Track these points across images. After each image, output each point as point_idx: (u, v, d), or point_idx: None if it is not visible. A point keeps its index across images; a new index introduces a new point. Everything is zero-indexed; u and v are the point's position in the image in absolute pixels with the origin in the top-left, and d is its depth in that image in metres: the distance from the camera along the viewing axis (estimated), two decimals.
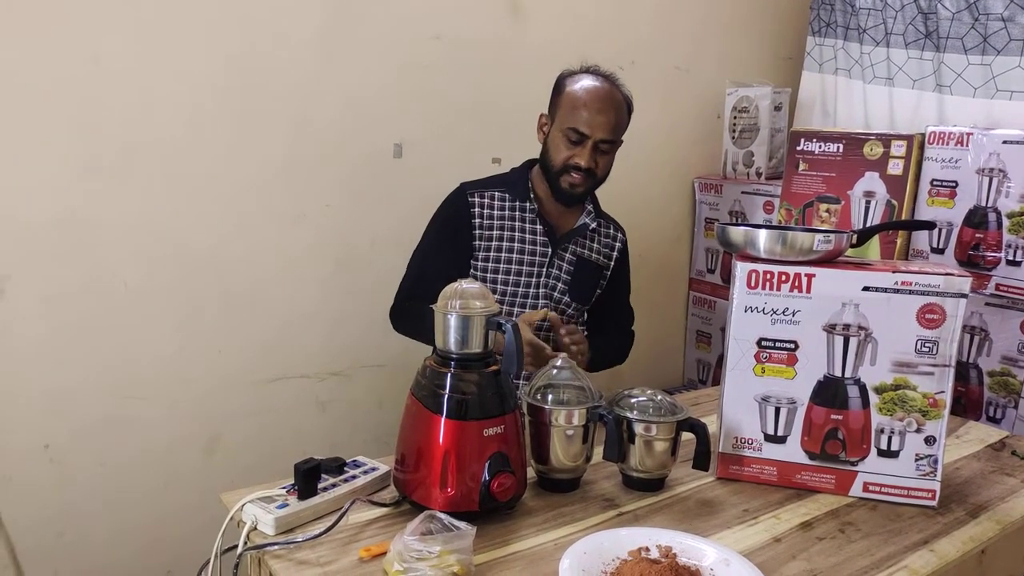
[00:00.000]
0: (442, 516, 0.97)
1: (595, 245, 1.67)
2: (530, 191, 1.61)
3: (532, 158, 1.66)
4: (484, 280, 1.58)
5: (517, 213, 1.59)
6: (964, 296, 1.10)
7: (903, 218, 1.90)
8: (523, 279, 1.58)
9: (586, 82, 1.54)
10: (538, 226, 1.59)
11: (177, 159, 1.61)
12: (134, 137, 1.56)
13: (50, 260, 1.52)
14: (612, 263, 1.70)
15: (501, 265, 1.58)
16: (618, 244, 1.72)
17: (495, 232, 1.57)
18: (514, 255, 1.58)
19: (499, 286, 1.58)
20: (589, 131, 1.51)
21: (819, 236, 1.15)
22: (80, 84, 1.49)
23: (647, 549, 0.97)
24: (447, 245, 1.59)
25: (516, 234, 1.58)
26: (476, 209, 1.58)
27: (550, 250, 1.59)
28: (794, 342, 1.16)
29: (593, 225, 1.65)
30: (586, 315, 1.72)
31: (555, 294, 1.61)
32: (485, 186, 1.62)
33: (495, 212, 1.58)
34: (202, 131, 1.63)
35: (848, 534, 1.07)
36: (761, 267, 1.16)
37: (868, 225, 1.94)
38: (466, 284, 1.08)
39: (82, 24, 1.47)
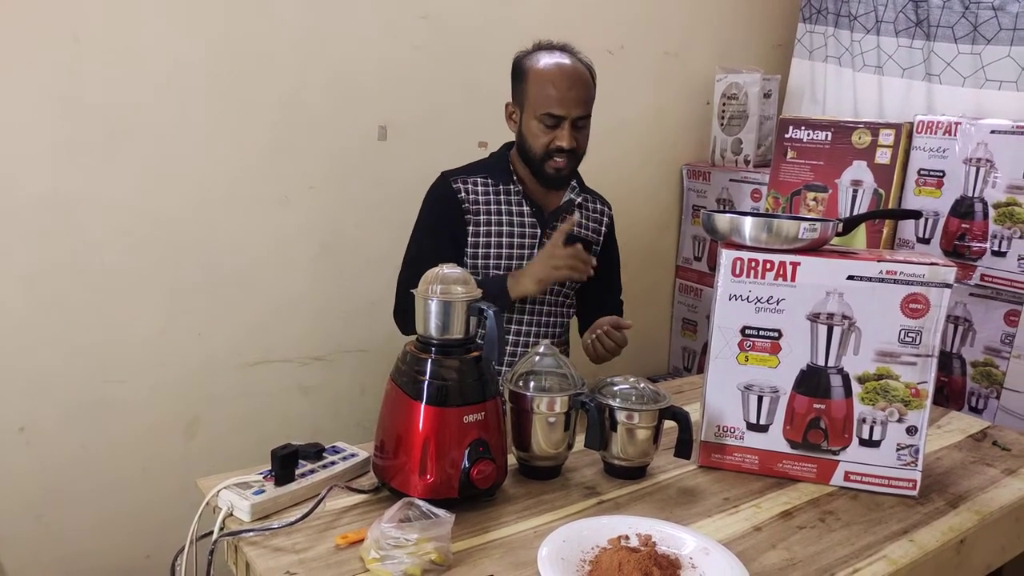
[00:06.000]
0: (421, 503, 0.96)
1: (583, 221, 1.65)
2: (512, 173, 1.59)
3: (510, 141, 1.64)
4: (475, 265, 1.56)
5: (502, 196, 1.57)
6: (948, 286, 1.09)
7: (890, 207, 1.90)
8: (514, 262, 1.56)
9: (547, 60, 1.51)
10: (524, 207, 1.58)
11: (160, 139, 1.58)
12: (116, 116, 1.53)
13: (29, 239, 1.49)
14: (601, 238, 1.69)
15: (492, 250, 1.56)
16: (605, 219, 1.71)
17: (482, 217, 1.56)
18: (504, 238, 1.56)
19: (491, 271, 1.56)
20: (565, 112, 1.48)
21: (804, 224, 1.14)
22: (61, 62, 1.46)
23: (627, 537, 0.97)
24: (442, 234, 1.56)
25: (504, 217, 1.57)
26: (463, 195, 1.56)
27: (539, 230, 1.58)
28: (778, 331, 1.16)
29: (579, 200, 1.64)
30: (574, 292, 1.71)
31: None
32: (467, 173, 1.60)
33: (480, 197, 1.56)
34: (185, 111, 1.60)
35: (828, 523, 1.07)
36: (746, 255, 1.16)
37: (855, 214, 1.94)
38: (447, 269, 1.07)
39: (60, 1, 1.44)
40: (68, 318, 1.55)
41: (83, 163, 1.52)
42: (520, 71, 1.55)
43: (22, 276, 1.49)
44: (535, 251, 1.58)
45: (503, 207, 1.57)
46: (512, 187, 1.58)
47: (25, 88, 1.44)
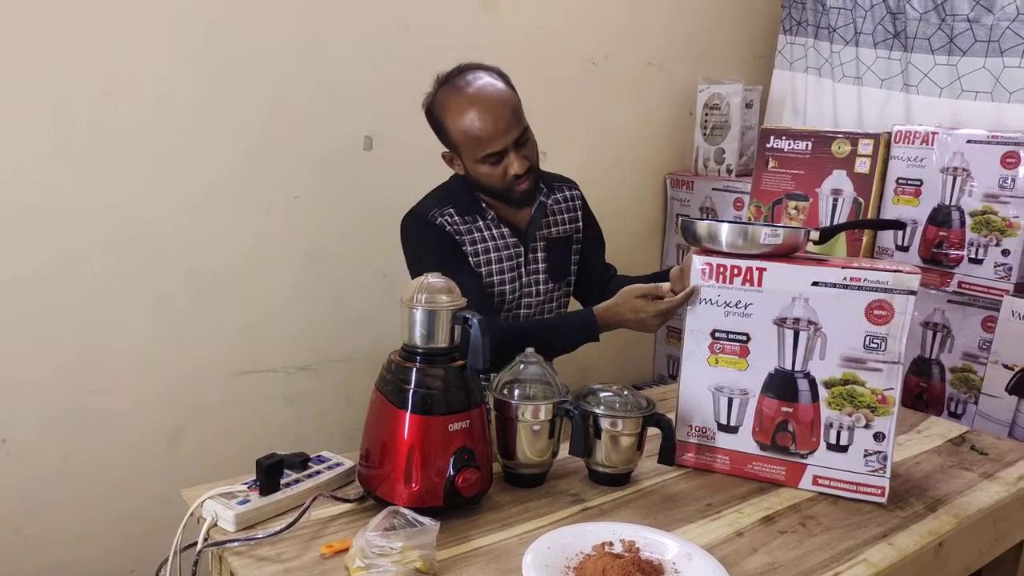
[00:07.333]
0: (406, 512, 0.97)
1: (557, 218, 1.60)
2: (480, 201, 1.52)
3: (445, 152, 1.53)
4: None
5: (480, 223, 1.51)
6: (913, 293, 1.10)
7: (869, 216, 1.93)
8: (507, 287, 1.54)
9: (456, 100, 1.41)
10: (503, 229, 1.53)
11: (145, 147, 1.58)
12: (101, 125, 1.53)
13: (11, 247, 1.48)
14: (580, 223, 1.64)
15: (484, 280, 1.51)
16: (578, 202, 1.65)
17: (468, 248, 1.50)
18: (493, 265, 1.52)
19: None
20: (503, 145, 1.40)
21: (766, 230, 1.16)
22: (45, 69, 1.46)
23: (610, 544, 0.97)
24: (461, 263, 1.48)
25: (489, 244, 1.52)
26: (449, 229, 1.49)
27: (521, 248, 1.55)
28: (746, 334, 1.18)
29: (549, 202, 1.58)
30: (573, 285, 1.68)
31: (539, 287, 1.58)
32: (437, 206, 1.49)
33: (462, 227, 1.50)
34: (171, 120, 1.60)
35: (809, 528, 1.08)
36: (714, 260, 1.18)
37: (835, 223, 1.96)
38: (432, 279, 1.08)
39: (47, 8, 1.44)
40: (51, 327, 1.54)
41: (67, 171, 1.51)
42: (437, 123, 1.46)
43: (3, 284, 1.48)
44: (522, 271, 1.55)
45: (484, 233, 1.52)
46: (487, 214, 1.52)
47: (9, 95, 1.44)
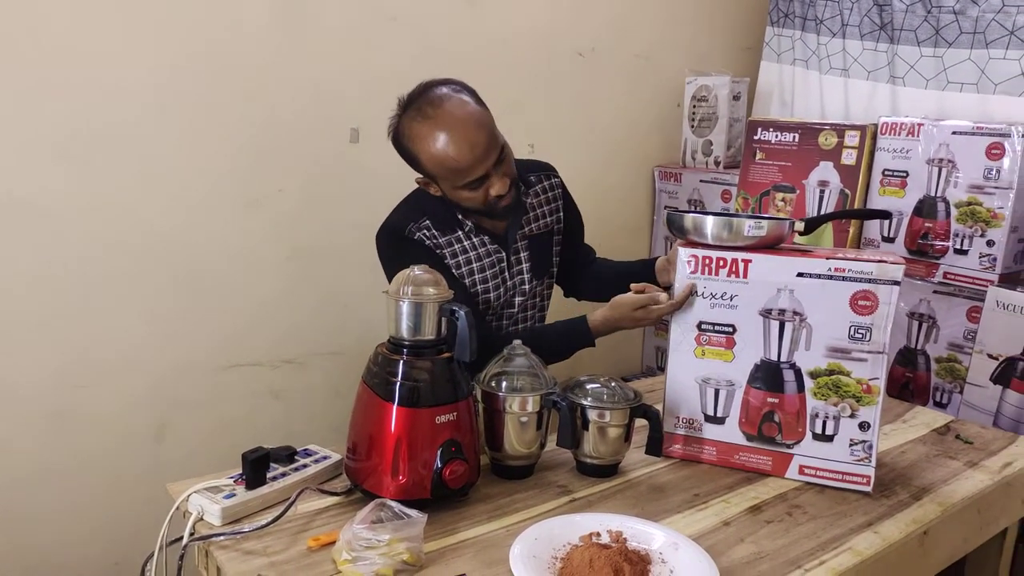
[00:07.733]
0: (393, 504, 0.96)
1: (537, 212, 1.56)
2: (457, 214, 1.45)
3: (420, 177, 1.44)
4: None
5: (458, 234, 1.47)
6: (897, 283, 1.11)
7: (855, 207, 1.94)
8: (493, 293, 1.51)
9: (425, 128, 1.32)
10: (483, 237, 1.49)
11: (130, 143, 1.57)
12: (86, 122, 1.51)
13: None
14: (560, 212, 1.60)
15: (469, 290, 1.48)
16: (557, 190, 1.59)
17: (450, 261, 1.46)
18: (476, 275, 1.49)
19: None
20: (482, 171, 1.34)
21: (750, 223, 1.16)
22: (33, 69, 1.44)
23: (598, 534, 0.98)
24: (444, 276, 1.39)
25: (470, 254, 1.48)
26: (430, 244, 1.44)
27: (503, 252, 1.51)
28: (732, 326, 1.18)
29: (528, 200, 1.54)
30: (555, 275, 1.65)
31: (524, 287, 1.55)
32: (412, 220, 1.44)
33: (441, 240, 1.44)
34: (155, 115, 1.59)
35: (795, 517, 1.09)
36: (700, 252, 1.19)
37: (822, 213, 1.97)
38: (418, 271, 1.07)
39: (46, 10, 1.42)
40: (36, 325, 1.53)
41: (52, 168, 1.50)
42: (407, 153, 1.38)
43: None
44: (505, 274, 1.52)
45: (464, 244, 1.48)
46: (464, 225, 1.47)
47: (6, 95, 1.43)
